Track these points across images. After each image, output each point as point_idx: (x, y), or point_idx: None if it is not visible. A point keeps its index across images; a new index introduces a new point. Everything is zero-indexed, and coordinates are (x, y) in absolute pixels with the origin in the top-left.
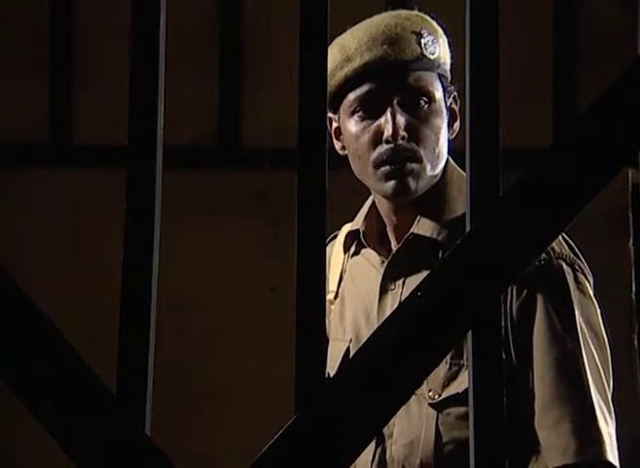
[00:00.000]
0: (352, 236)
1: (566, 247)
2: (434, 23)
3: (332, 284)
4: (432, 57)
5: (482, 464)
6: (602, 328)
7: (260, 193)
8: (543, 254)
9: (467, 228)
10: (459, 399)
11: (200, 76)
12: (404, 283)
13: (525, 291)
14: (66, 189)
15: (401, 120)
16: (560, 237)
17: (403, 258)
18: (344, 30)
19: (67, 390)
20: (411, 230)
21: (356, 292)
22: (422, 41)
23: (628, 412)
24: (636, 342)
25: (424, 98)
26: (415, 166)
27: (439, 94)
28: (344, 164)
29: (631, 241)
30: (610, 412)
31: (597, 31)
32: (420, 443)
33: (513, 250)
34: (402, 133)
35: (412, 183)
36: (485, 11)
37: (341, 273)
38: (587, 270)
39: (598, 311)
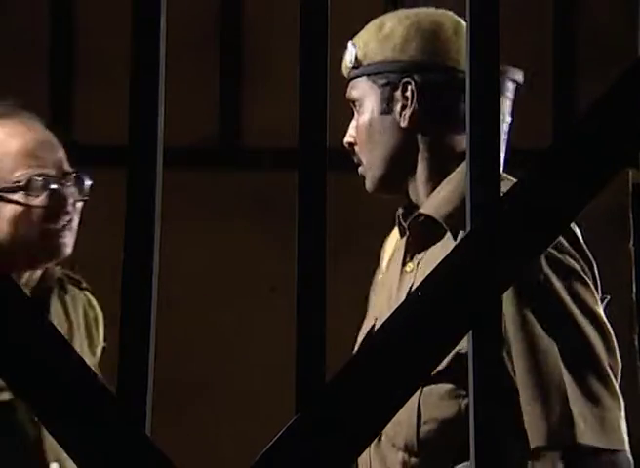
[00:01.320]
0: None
1: None
2: (373, 25)
3: (384, 264)
4: (350, 65)
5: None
6: (592, 306)
7: (260, 193)
8: None
9: (467, 228)
10: (442, 374)
11: (201, 77)
12: (418, 265)
13: None
14: None
15: (349, 128)
16: None
17: (416, 240)
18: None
19: (67, 390)
20: (419, 211)
21: (388, 273)
22: (345, 54)
23: (628, 412)
24: (636, 342)
25: (354, 105)
26: (360, 168)
27: (363, 96)
28: (345, 164)
29: (631, 241)
30: (609, 395)
31: (597, 31)
32: (404, 422)
33: (513, 250)
34: (345, 139)
35: (367, 183)
36: (485, 10)
37: (393, 253)
38: (572, 251)
39: (587, 289)
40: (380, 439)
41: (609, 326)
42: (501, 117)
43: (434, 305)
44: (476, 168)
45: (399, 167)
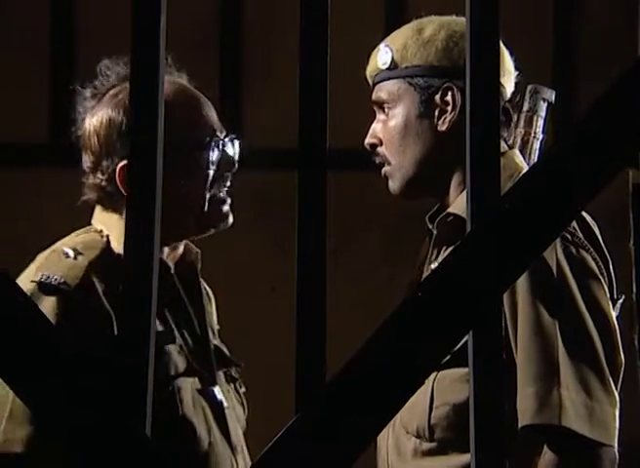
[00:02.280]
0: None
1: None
2: (408, 30)
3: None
4: (383, 67)
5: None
6: (601, 301)
7: (260, 193)
8: None
9: (467, 228)
10: (455, 358)
11: (200, 76)
12: None
13: None
14: (66, 189)
15: (371, 129)
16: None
17: (443, 238)
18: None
19: (67, 390)
20: (447, 210)
21: (417, 271)
22: (376, 56)
23: (629, 412)
24: (636, 342)
25: (381, 107)
26: (386, 169)
27: (397, 98)
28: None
29: (631, 241)
30: (603, 390)
31: (597, 32)
32: (418, 407)
33: (513, 250)
34: (368, 140)
35: (393, 185)
36: (485, 11)
37: (423, 259)
38: (592, 249)
39: (599, 285)
40: (394, 424)
41: (616, 325)
42: (533, 135)
43: (434, 305)
44: (476, 168)
45: (432, 169)
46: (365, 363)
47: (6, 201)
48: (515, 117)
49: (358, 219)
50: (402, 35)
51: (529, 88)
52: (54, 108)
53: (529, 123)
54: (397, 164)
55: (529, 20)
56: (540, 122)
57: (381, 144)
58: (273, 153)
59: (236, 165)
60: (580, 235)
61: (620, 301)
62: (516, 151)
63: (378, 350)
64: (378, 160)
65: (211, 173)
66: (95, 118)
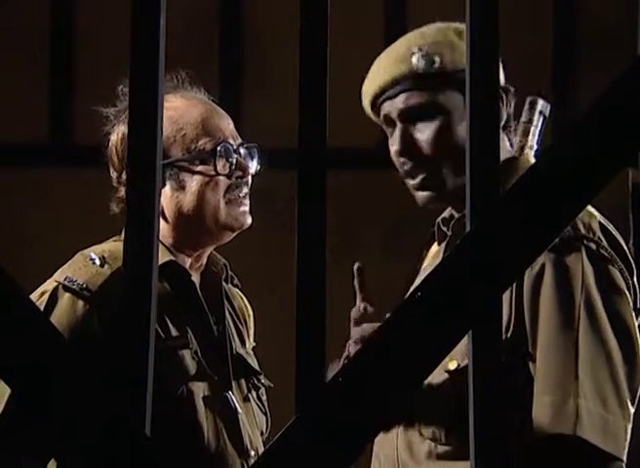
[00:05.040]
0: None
1: (597, 231)
2: (449, 32)
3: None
4: (421, 71)
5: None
6: (626, 316)
7: (260, 193)
8: (569, 230)
9: (467, 228)
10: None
11: (200, 76)
12: None
13: (538, 265)
14: (66, 189)
15: (402, 142)
16: (601, 221)
17: (457, 240)
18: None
19: (67, 390)
20: (458, 215)
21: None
22: (413, 59)
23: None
24: None
25: (425, 113)
26: (420, 179)
27: (453, 107)
28: (344, 164)
29: (631, 241)
30: (619, 402)
31: (597, 31)
32: (435, 411)
33: (513, 249)
34: (402, 148)
35: (429, 195)
36: (485, 11)
37: (431, 262)
38: (617, 260)
39: (624, 300)
40: (404, 425)
41: (639, 340)
42: (529, 144)
43: (434, 305)
44: (476, 168)
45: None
46: (365, 363)
47: (5, 201)
48: (514, 126)
49: (358, 219)
50: (441, 37)
51: (528, 99)
52: (54, 109)
53: (525, 133)
54: (443, 174)
55: (529, 20)
56: (536, 132)
57: (424, 156)
58: (273, 153)
59: (250, 171)
60: (607, 245)
61: None
62: (531, 153)
63: (377, 350)
64: (408, 169)
65: (222, 179)
66: (114, 135)
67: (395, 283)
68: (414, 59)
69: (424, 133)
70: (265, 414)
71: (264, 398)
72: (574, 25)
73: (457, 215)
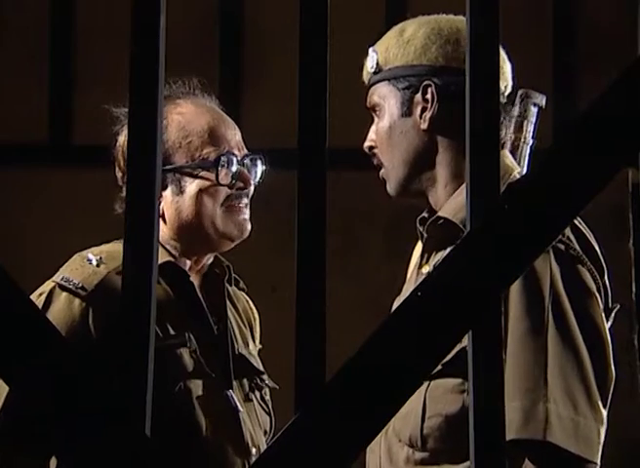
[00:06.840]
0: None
1: (567, 232)
2: (394, 31)
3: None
4: (371, 70)
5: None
6: (595, 317)
7: (259, 193)
8: None
9: (467, 228)
10: (449, 368)
11: (200, 76)
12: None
13: None
14: (66, 189)
15: (369, 133)
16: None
17: (433, 242)
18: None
19: (67, 390)
20: (437, 214)
21: (410, 279)
22: (366, 61)
23: (628, 413)
24: (636, 342)
25: (374, 110)
26: (382, 171)
27: (383, 100)
28: (344, 164)
29: (631, 241)
30: (590, 406)
31: (597, 31)
32: (411, 416)
33: (513, 250)
34: (365, 144)
35: (389, 187)
36: (485, 11)
37: (415, 261)
38: (587, 261)
39: (593, 301)
40: (386, 431)
41: (609, 341)
42: (523, 140)
43: (434, 305)
44: (476, 168)
45: (419, 169)
46: (365, 363)
47: (5, 201)
48: (506, 122)
49: (358, 219)
50: (386, 38)
51: (519, 93)
52: (54, 109)
53: (519, 128)
54: (389, 165)
55: (529, 20)
56: (531, 127)
57: (377, 147)
58: (273, 153)
59: (252, 182)
60: (576, 246)
61: (615, 310)
62: (507, 152)
63: (377, 350)
64: (375, 162)
65: (222, 189)
66: (121, 136)
67: (395, 283)
68: (367, 59)
69: (376, 127)
70: (269, 414)
71: (268, 398)
72: (574, 26)
73: (427, 217)
